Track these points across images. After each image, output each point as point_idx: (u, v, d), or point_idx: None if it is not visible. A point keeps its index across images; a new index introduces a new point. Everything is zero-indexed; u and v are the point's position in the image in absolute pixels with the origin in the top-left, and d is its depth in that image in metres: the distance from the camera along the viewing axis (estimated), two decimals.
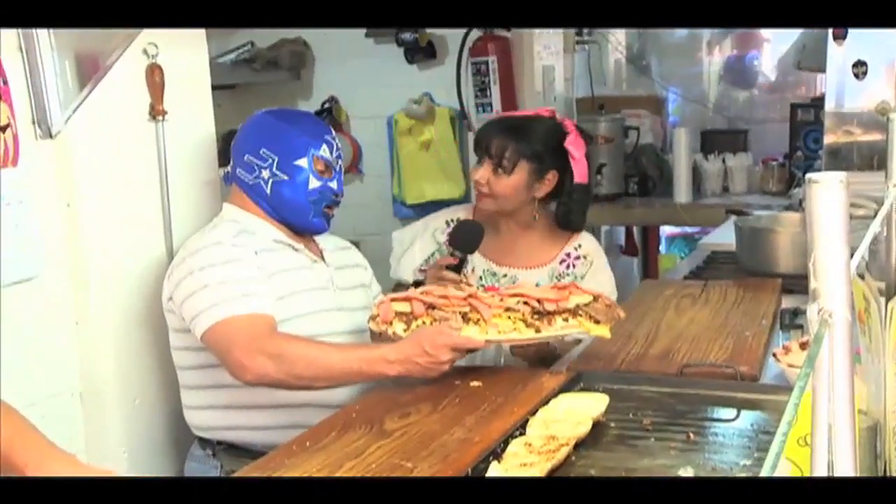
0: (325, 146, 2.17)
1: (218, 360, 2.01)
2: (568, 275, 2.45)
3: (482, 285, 2.40)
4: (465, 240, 2.31)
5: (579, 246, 2.49)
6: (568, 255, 2.48)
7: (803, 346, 1.93)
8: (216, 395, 2.12)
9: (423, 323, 1.90)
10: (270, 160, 2.14)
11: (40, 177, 2.11)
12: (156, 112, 2.31)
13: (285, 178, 2.14)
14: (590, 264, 2.48)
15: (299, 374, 1.93)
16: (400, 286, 2.39)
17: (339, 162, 2.21)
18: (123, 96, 2.26)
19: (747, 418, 1.71)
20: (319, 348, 1.95)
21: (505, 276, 2.45)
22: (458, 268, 2.25)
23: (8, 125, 1.99)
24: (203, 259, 2.04)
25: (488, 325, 1.88)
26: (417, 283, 2.30)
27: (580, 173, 2.41)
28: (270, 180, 2.14)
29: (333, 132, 2.23)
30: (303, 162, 2.14)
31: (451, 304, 1.91)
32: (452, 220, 2.53)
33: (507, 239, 2.48)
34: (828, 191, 0.79)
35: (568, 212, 2.45)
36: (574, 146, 2.39)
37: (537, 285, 2.35)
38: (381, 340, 1.99)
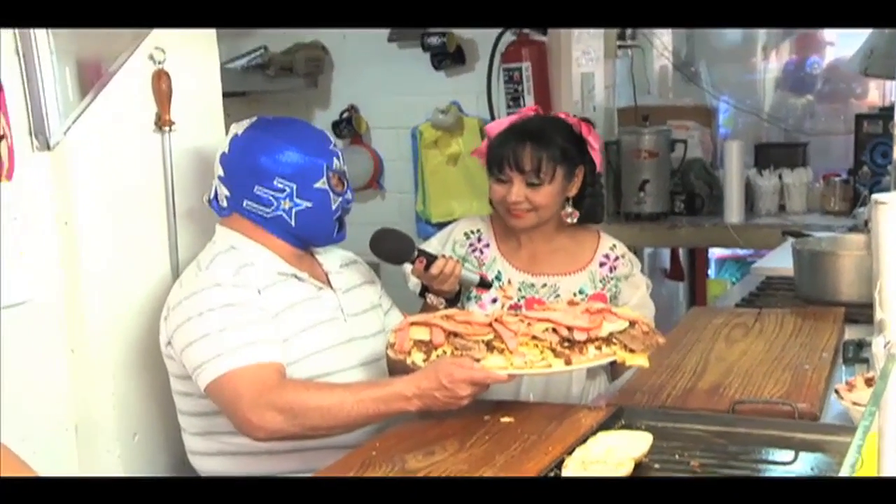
0: (335, 159, 2.20)
1: (224, 416, 2.03)
2: (612, 277, 2.52)
3: (523, 297, 2.45)
4: (394, 253, 2.33)
5: (614, 246, 2.58)
6: (606, 256, 2.55)
7: (869, 381, 1.92)
8: (223, 441, 2.13)
9: (444, 352, 1.90)
10: (288, 189, 2.15)
11: (36, 192, 2.13)
12: (162, 122, 2.34)
13: (308, 204, 2.16)
14: (630, 263, 2.56)
15: (315, 426, 1.95)
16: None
17: (345, 167, 2.25)
18: (127, 105, 2.29)
19: (806, 461, 1.70)
20: (332, 394, 1.96)
21: (544, 285, 2.49)
22: (428, 265, 2.28)
23: (3, 136, 2.01)
24: (202, 303, 2.05)
25: (514, 355, 1.88)
26: (425, 289, 2.34)
27: (598, 163, 2.55)
28: (293, 210, 2.16)
29: (331, 136, 2.27)
30: (322, 184, 2.17)
31: (474, 330, 1.91)
32: (473, 232, 2.56)
33: (534, 247, 2.53)
34: None
35: (594, 204, 2.55)
36: (592, 137, 2.51)
37: (581, 291, 2.45)
38: (401, 367, 1.99)
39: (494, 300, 2.43)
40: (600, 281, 2.51)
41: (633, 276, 2.55)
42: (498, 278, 2.47)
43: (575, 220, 2.51)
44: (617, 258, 2.54)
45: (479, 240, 2.56)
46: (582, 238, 2.57)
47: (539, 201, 2.42)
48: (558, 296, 2.45)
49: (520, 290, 2.48)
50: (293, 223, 2.16)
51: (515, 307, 2.37)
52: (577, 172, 2.47)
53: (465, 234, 2.57)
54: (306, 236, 2.21)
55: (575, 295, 2.46)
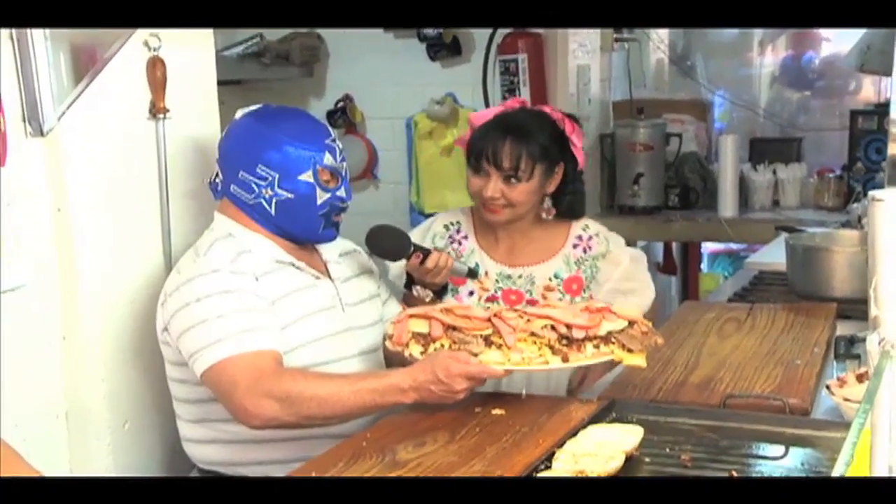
0: (328, 154, 2.14)
1: (220, 402, 2.02)
2: (588, 258, 2.52)
3: (500, 288, 2.47)
4: (391, 251, 2.33)
5: (586, 227, 2.58)
6: (579, 237, 2.55)
7: (860, 377, 1.92)
8: (218, 429, 2.13)
9: (442, 346, 1.90)
10: (270, 178, 2.11)
11: (29, 178, 2.12)
12: (157, 109, 2.33)
13: (290, 196, 2.12)
14: (605, 241, 2.56)
15: (310, 415, 1.94)
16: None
17: (344, 165, 2.20)
18: (122, 92, 2.27)
19: (797, 456, 1.70)
20: (329, 384, 1.95)
21: (521, 276, 2.51)
22: (423, 260, 2.28)
23: None
24: (199, 289, 2.04)
25: (512, 351, 1.87)
26: (410, 280, 2.35)
27: (581, 160, 2.53)
28: (273, 199, 2.12)
29: (332, 132, 2.22)
30: (307, 176, 2.12)
31: (473, 325, 1.91)
32: (452, 224, 2.58)
33: (512, 241, 2.54)
34: (893, 210, 0.78)
35: (573, 202, 2.55)
36: (576, 135, 2.50)
37: (556, 276, 2.47)
38: (399, 359, 1.99)
39: (471, 293, 2.43)
40: (575, 263, 2.52)
41: (610, 252, 2.54)
42: None
43: (551, 217, 2.52)
44: (591, 237, 2.55)
45: (458, 231, 2.57)
46: (556, 227, 2.57)
47: (515, 198, 2.41)
48: (534, 283, 2.47)
49: (497, 281, 2.49)
50: (273, 212, 2.13)
51: (492, 299, 2.37)
52: (556, 170, 2.46)
53: (445, 226, 2.59)
54: (287, 228, 2.16)
55: (550, 280, 2.47)
